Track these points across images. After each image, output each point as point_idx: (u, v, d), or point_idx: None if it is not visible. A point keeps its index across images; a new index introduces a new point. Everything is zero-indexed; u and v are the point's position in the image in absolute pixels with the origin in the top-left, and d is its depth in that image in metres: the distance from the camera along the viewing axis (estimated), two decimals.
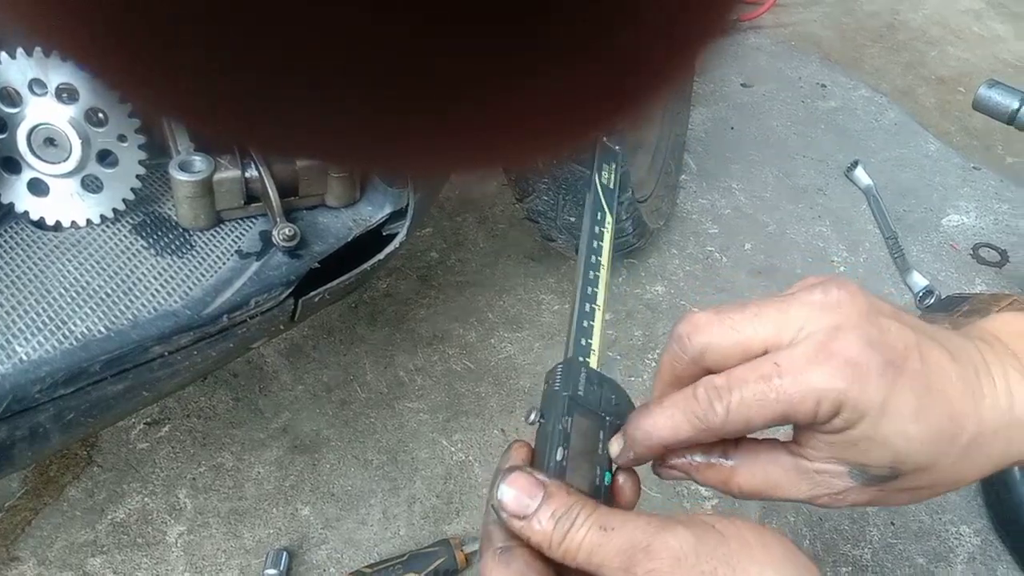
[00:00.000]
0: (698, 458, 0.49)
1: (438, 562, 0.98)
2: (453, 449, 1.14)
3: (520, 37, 0.15)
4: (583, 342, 0.50)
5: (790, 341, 0.45)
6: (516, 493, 0.44)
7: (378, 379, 1.20)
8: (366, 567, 0.98)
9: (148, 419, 1.11)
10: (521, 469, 0.45)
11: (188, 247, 0.66)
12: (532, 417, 0.48)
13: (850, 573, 1.06)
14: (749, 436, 0.48)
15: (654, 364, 1.28)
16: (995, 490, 1.11)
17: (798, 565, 0.42)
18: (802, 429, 0.46)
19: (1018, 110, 1.15)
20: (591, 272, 0.51)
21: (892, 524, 1.12)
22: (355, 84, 0.16)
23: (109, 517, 1.02)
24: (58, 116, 0.64)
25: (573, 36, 0.16)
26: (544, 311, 1.34)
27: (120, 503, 1.03)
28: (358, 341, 1.25)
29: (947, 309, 1.38)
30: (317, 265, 0.72)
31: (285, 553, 0.98)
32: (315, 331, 1.25)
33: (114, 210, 0.67)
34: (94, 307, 0.60)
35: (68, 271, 0.63)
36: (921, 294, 1.41)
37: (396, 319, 1.29)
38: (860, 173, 1.63)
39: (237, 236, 0.69)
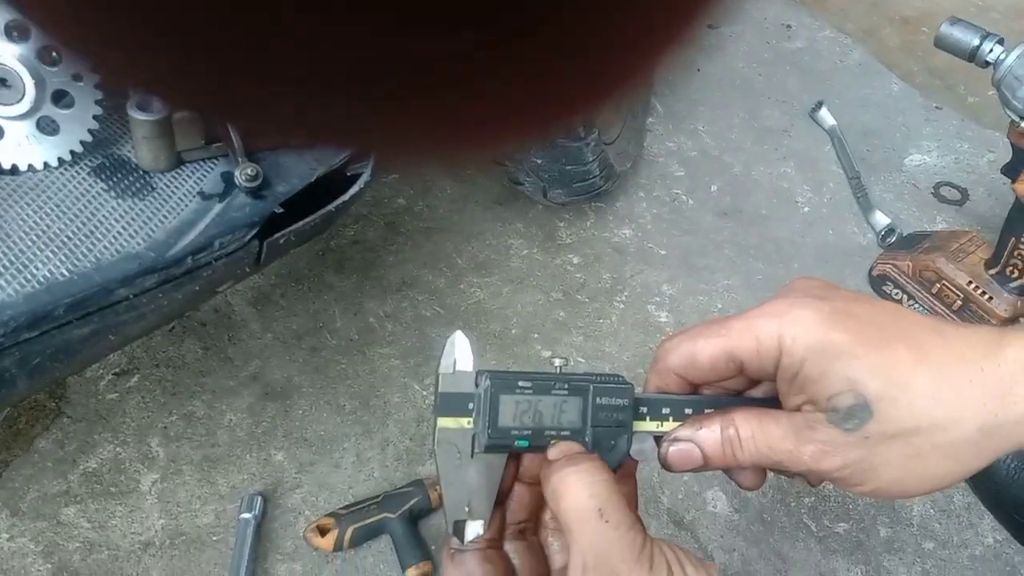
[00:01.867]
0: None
1: (412, 502, 0.99)
2: (425, 393, 1.14)
3: (498, 30, 0.16)
4: (663, 410, 0.50)
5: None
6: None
7: (348, 326, 1.20)
8: (341, 509, 0.99)
9: (117, 369, 1.10)
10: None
11: (149, 189, 0.65)
12: (557, 362, 0.49)
13: (813, 503, 1.09)
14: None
15: (622, 306, 1.29)
16: None
17: None
18: (773, 382, 0.48)
19: (978, 47, 1.15)
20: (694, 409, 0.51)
21: None
22: (330, 67, 0.16)
23: (81, 467, 1.02)
24: (8, 55, 0.62)
25: (553, 28, 0.16)
26: (513, 256, 1.34)
27: (92, 453, 1.03)
28: (327, 289, 1.24)
29: (909, 246, 1.41)
30: (281, 209, 0.71)
31: (260, 497, 0.99)
32: (283, 279, 1.24)
33: (72, 152, 0.66)
34: (55, 250, 0.59)
35: (27, 215, 0.62)
36: (883, 232, 1.43)
37: (364, 266, 1.29)
38: (824, 114, 1.64)
39: (199, 177, 0.68)
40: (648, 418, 0.49)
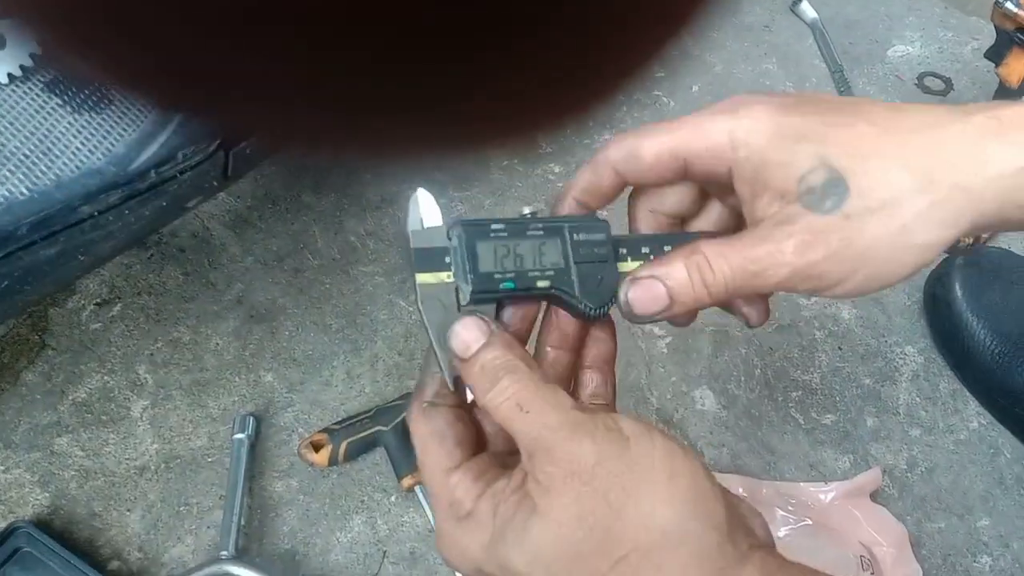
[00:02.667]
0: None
1: (404, 414, 1.00)
2: (411, 308, 1.14)
3: (500, 31, 0.15)
4: (643, 248, 0.49)
5: None
6: (463, 334, 0.44)
7: (329, 246, 1.19)
8: (334, 424, 1.00)
9: (98, 300, 1.09)
10: (477, 316, 0.45)
11: (106, 102, 0.63)
12: (527, 210, 0.48)
13: (800, 396, 1.11)
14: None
15: (605, 213, 1.28)
16: (937, 309, 1.15)
17: (697, 509, 0.40)
18: (733, 191, 0.47)
19: None
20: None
21: (839, 349, 1.16)
22: (323, 68, 0.16)
23: (70, 398, 1.02)
24: None
25: (553, 31, 0.16)
26: (493, 168, 1.32)
27: (79, 383, 1.03)
28: (305, 209, 1.23)
29: None
30: None
31: (252, 417, 1.00)
32: (259, 201, 1.22)
33: (21, 67, 0.63)
34: (12, 169, 0.58)
35: None
36: None
37: (342, 185, 1.27)
38: (806, 7, 1.60)
39: None
40: (629, 259, 0.49)
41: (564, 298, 0.47)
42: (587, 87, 0.19)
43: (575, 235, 0.47)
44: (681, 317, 0.49)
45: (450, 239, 0.45)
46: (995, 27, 1.18)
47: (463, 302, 0.45)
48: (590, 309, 0.46)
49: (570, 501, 0.40)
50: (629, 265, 0.49)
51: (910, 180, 0.41)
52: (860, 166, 0.42)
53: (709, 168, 0.46)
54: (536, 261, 0.46)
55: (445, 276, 0.45)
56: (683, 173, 0.47)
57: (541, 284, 0.46)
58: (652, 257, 0.48)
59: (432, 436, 0.44)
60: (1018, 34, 1.15)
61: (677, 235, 0.51)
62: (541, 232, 0.46)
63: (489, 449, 0.48)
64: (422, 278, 0.45)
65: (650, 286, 0.45)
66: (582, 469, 0.40)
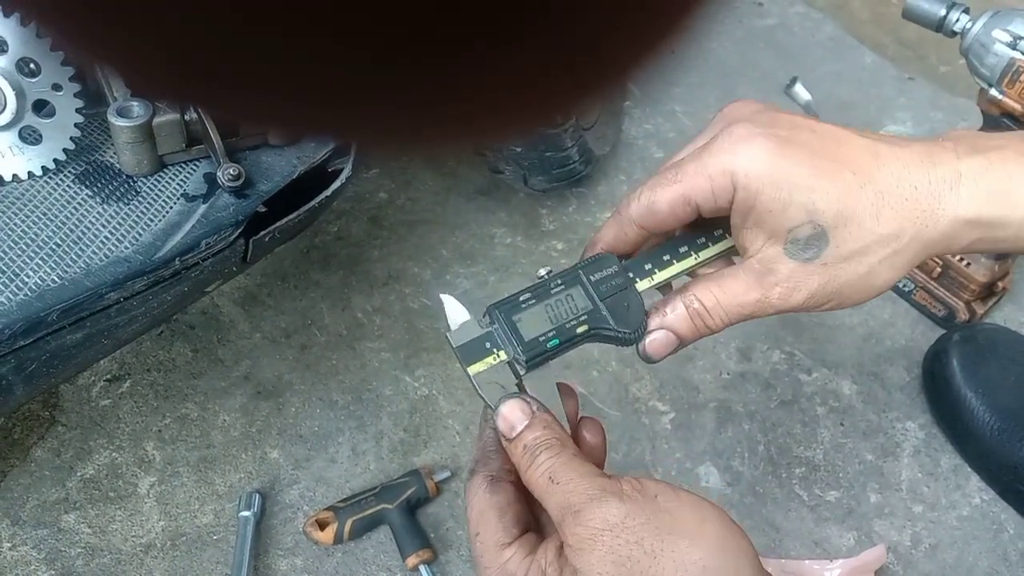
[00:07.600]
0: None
1: (409, 491, 1.00)
2: (416, 384, 1.16)
3: (484, 26, 0.16)
4: (646, 266, 0.53)
5: None
6: (507, 417, 0.49)
7: (336, 322, 1.21)
8: (339, 502, 1.01)
9: (108, 376, 1.11)
10: (519, 397, 0.49)
11: (134, 193, 0.66)
12: (542, 272, 0.52)
13: (804, 473, 1.11)
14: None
15: None
16: (936, 385, 1.17)
17: (729, 546, 0.45)
18: (732, 228, 0.53)
19: (945, 17, 1.17)
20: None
21: (841, 425, 1.17)
22: (312, 55, 0.16)
23: (78, 474, 1.02)
24: None
25: (537, 25, 0.17)
26: (497, 245, 1.35)
27: (88, 460, 1.04)
28: (313, 286, 1.25)
29: None
30: (263, 209, 0.72)
31: (258, 495, 1.00)
32: (268, 278, 1.25)
33: (55, 161, 0.66)
34: (45, 258, 0.60)
35: (15, 224, 0.63)
36: None
37: (350, 262, 1.29)
38: (799, 89, 1.65)
39: (182, 180, 0.69)
40: (638, 280, 0.53)
41: (604, 333, 0.51)
42: (581, 78, 0.20)
43: (591, 276, 0.51)
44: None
45: (492, 323, 0.49)
46: (982, 112, 1.22)
47: (521, 372, 0.49)
48: (627, 334, 0.51)
49: (604, 553, 0.43)
50: (644, 284, 0.53)
51: (879, 232, 0.49)
52: (840, 220, 0.49)
53: (715, 205, 0.51)
54: (569, 311, 0.50)
55: (491, 359, 0.49)
56: (696, 213, 0.53)
57: (580, 330, 0.50)
58: (657, 271, 0.53)
59: (492, 510, 0.47)
60: (1003, 119, 1.19)
61: (668, 246, 0.55)
62: (562, 286, 0.51)
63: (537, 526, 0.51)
64: (473, 368, 0.48)
65: (660, 336, 0.53)
66: (610, 526, 0.44)
